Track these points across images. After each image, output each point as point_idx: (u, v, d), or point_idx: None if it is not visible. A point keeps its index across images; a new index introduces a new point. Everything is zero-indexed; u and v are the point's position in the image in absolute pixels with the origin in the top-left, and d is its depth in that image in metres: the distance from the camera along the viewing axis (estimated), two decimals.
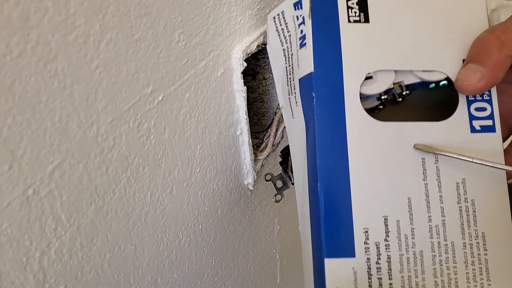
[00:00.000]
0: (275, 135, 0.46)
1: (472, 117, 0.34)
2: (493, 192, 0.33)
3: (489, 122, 0.34)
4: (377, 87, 0.34)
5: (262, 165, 0.50)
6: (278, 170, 0.48)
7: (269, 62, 0.46)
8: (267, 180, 0.48)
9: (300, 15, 0.34)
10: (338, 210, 0.32)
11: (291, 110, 0.37)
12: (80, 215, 0.29)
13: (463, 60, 0.33)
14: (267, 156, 0.49)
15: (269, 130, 0.46)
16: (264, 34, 0.42)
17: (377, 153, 0.33)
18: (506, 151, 0.34)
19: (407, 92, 0.35)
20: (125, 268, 0.35)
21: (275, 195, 0.45)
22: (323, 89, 0.33)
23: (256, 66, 0.47)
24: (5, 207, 0.24)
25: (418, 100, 0.36)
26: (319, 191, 0.32)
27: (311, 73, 0.33)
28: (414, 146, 0.32)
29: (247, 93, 0.42)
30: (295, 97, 0.35)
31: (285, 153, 0.47)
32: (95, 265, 0.32)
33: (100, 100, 0.28)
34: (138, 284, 0.37)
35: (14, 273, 0.26)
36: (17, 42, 0.22)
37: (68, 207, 0.28)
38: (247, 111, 0.43)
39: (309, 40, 0.33)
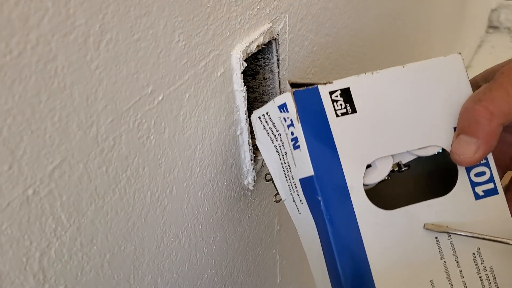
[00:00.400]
0: None
1: (474, 184, 0.34)
2: (508, 254, 0.34)
3: (490, 186, 0.34)
4: (378, 175, 0.34)
5: (262, 165, 0.50)
6: None
7: (269, 62, 0.46)
8: (267, 180, 0.48)
9: (287, 118, 0.33)
10: None
11: (296, 206, 0.37)
12: (80, 215, 0.29)
13: (454, 128, 0.34)
14: None
15: None
16: (264, 34, 0.42)
17: (392, 242, 0.33)
18: (507, 189, 0.35)
19: (406, 168, 0.35)
20: (125, 268, 0.35)
21: (275, 195, 0.45)
22: (327, 191, 0.33)
23: (256, 66, 0.47)
24: (5, 207, 0.24)
25: (418, 170, 0.36)
26: None
27: (311, 176, 0.33)
28: (424, 226, 0.32)
29: (247, 93, 0.42)
30: (298, 195, 0.35)
31: None
32: (95, 265, 0.32)
33: (100, 100, 0.28)
34: (138, 284, 0.37)
35: (14, 273, 0.26)
36: (17, 42, 0.22)
37: (68, 207, 0.28)
38: (247, 111, 0.43)
39: (302, 143, 0.32)
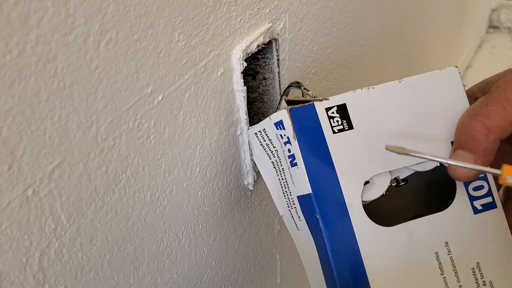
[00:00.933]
0: None
1: (472, 198, 0.34)
2: (507, 268, 0.34)
3: (489, 199, 0.34)
4: (377, 191, 0.34)
5: None
6: None
7: (269, 61, 0.46)
8: None
9: (284, 135, 0.33)
10: None
11: (295, 223, 0.37)
12: (80, 215, 0.29)
13: (452, 142, 0.33)
14: None
15: None
16: (264, 33, 0.41)
17: (392, 259, 0.33)
18: (506, 200, 0.35)
19: (404, 183, 0.35)
20: (125, 268, 0.35)
21: None
22: (325, 209, 0.32)
23: (256, 66, 0.47)
24: (4, 207, 0.24)
25: (416, 184, 0.36)
26: None
27: (309, 194, 0.32)
28: (386, 147, 0.30)
29: (247, 93, 0.42)
30: (296, 211, 0.35)
31: None
32: (94, 265, 0.32)
33: (99, 100, 0.28)
34: (138, 284, 0.37)
35: (13, 273, 0.26)
36: (16, 42, 0.22)
37: (68, 207, 0.28)
38: (247, 111, 0.43)
39: (299, 161, 0.32)
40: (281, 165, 0.35)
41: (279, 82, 0.47)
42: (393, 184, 0.35)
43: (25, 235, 0.26)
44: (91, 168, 0.29)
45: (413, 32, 0.99)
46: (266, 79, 0.48)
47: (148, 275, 0.38)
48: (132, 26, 0.28)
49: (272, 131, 0.34)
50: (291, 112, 0.32)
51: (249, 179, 0.49)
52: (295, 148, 0.32)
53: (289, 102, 0.33)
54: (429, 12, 1.06)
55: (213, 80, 0.38)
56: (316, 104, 0.33)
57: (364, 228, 0.33)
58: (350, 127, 0.33)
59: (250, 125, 0.42)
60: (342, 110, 0.33)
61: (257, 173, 0.49)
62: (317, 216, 0.32)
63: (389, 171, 0.34)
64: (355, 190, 0.33)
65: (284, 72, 0.48)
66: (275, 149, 0.35)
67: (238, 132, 0.44)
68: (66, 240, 0.29)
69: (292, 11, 0.46)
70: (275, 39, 0.44)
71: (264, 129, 0.36)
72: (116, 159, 0.31)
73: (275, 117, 0.33)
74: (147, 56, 0.30)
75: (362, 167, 0.33)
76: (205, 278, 0.48)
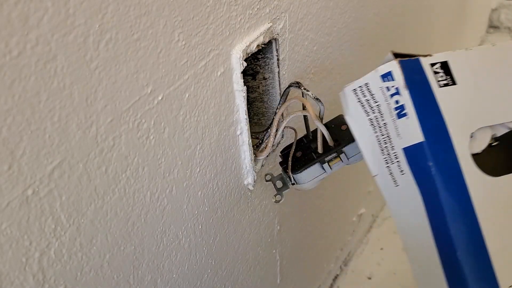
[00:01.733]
0: (275, 135, 0.46)
1: None
2: None
3: None
4: (479, 145, 0.35)
5: (262, 165, 0.50)
6: (278, 170, 0.48)
7: (269, 61, 0.46)
8: (267, 180, 0.48)
9: (392, 86, 0.34)
10: (482, 274, 0.33)
11: (393, 179, 0.37)
12: (80, 215, 0.29)
13: None
14: (267, 156, 0.48)
15: (269, 130, 0.46)
16: (264, 33, 0.41)
17: (503, 208, 0.34)
18: None
19: (497, 142, 0.36)
20: (124, 268, 0.35)
21: (275, 195, 0.45)
22: (438, 157, 0.34)
23: (256, 66, 0.47)
24: (4, 207, 0.24)
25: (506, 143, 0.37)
26: (461, 261, 0.33)
27: (421, 142, 0.34)
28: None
29: (247, 93, 0.42)
30: (399, 165, 0.36)
31: (285, 153, 0.47)
32: (94, 265, 0.32)
33: (99, 100, 0.28)
34: (138, 284, 0.37)
35: (13, 273, 0.26)
36: (16, 41, 0.22)
37: (68, 207, 0.28)
38: (247, 111, 0.43)
39: (410, 110, 0.34)
40: (382, 120, 0.36)
41: (279, 82, 0.47)
42: (490, 142, 0.36)
43: (25, 235, 0.26)
44: (91, 168, 0.29)
45: (413, 32, 0.99)
46: (266, 79, 0.48)
47: (148, 275, 0.38)
48: (132, 26, 0.28)
49: (376, 84, 0.36)
50: (400, 64, 0.34)
51: (249, 179, 0.49)
52: (405, 98, 0.34)
53: (395, 55, 0.35)
54: (429, 12, 1.06)
55: (213, 80, 0.38)
56: (422, 59, 0.34)
57: (473, 177, 0.34)
58: (454, 83, 0.34)
59: (250, 125, 0.42)
60: (445, 67, 0.35)
61: (257, 173, 0.49)
62: (430, 164, 0.33)
63: (490, 127, 0.35)
64: (463, 141, 0.34)
65: (284, 72, 0.48)
66: (376, 104, 0.36)
67: (238, 132, 0.44)
68: (66, 240, 0.29)
69: (292, 11, 0.46)
70: (275, 39, 0.44)
71: (366, 84, 0.36)
72: (116, 159, 0.31)
73: (383, 69, 0.35)
74: (147, 56, 0.30)
75: (467, 120, 0.34)
76: (205, 278, 0.48)
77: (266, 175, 0.48)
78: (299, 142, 0.47)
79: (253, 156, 0.46)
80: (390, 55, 0.35)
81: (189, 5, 0.32)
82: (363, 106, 0.37)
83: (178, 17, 0.32)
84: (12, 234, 0.25)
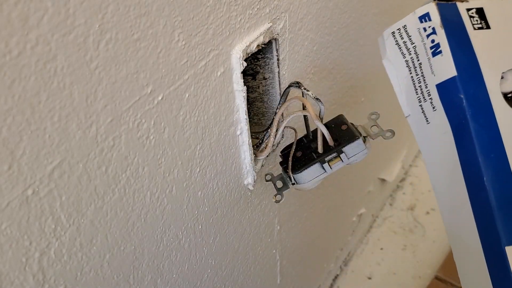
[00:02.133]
0: (275, 135, 0.46)
1: None
2: None
3: None
4: (509, 86, 0.37)
5: (262, 165, 0.50)
6: (278, 170, 0.48)
7: (269, 61, 0.46)
8: (267, 180, 0.48)
9: (429, 26, 0.38)
10: (507, 202, 0.35)
11: (425, 117, 0.41)
12: (80, 215, 0.29)
13: None
14: (267, 156, 0.48)
15: (269, 130, 0.46)
16: (264, 33, 0.41)
17: None
18: None
19: None
20: (124, 268, 0.35)
21: (275, 195, 0.45)
22: (469, 90, 0.36)
23: (256, 66, 0.47)
24: (4, 207, 0.24)
25: None
26: (487, 187, 0.35)
27: (454, 77, 0.37)
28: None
29: (247, 93, 0.42)
30: (431, 103, 0.40)
31: (285, 153, 0.47)
32: (94, 265, 0.32)
33: (99, 100, 0.28)
34: (138, 284, 0.37)
35: (13, 273, 0.26)
36: (16, 41, 0.22)
37: (68, 207, 0.28)
38: (247, 111, 0.43)
39: (445, 48, 0.37)
40: (418, 60, 0.40)
41: (279, 82, 0.47)
42: None
43: (25, 235, 0.26)
44: (91, 168, 0.29)
45: None
46: (266, 79, 0.48)
47: (148, 275, 0.38)
48: (132, 26, 0.28)
49: (414, 25, 0.39)
50: (437, 5, 0.38)
51: (249, 179, 0.49)
52: (441, 36, 0.38)
53: None
54: None
55: (213, 80, 0.38)
56: (458, 4, 0.38)
57: (503, 112, 0.36)
58: (488, 27, 0.38)
59: (250, 125, 0.42)
60: (480, 12, 0.38)
61: (257, 173, 0.49)
62: (461, 96, 0.36)
63: None
64: (495, 79, 0.37)
65: (284, 72, 0.48)
66: (413, 45, 0.40)
67: (238, 132, 0.44)
68: (66, 240, 0.29)
69: (292, 11, 0.46)
70: (275, 39, 0.44)
71: (404, 26, 0.40)
72: (116, 159, 0.31)
73: (420, 10, 0.39)
74: (147, 56, 0.30)
75: (498, 61, 0.37)
76: (205, 278, 0.48)
77: (266, 175, 0.48)
78: (299, 142, 0.47)
79: (253, 156, 0.46)
80: None
81: (189, 5, 0.32)
82: (400, 48, 0.41)
83: (178, 17, 0.32)
84: (12, 234, 0.25)
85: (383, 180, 1.12)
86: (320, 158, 0.43)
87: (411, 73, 0.41)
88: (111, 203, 0.31)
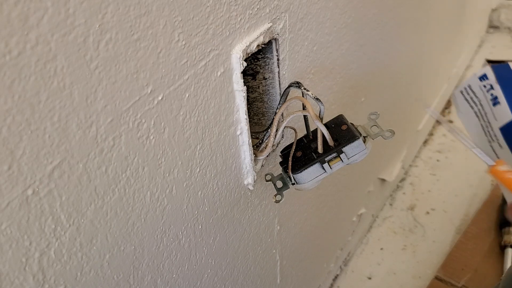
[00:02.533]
0: (275, 135, 0.46)
1: None
2: None
3: None
4: None
5: (262, 165, 0.50)
6: (278, 170, 0.48)
7: (269, 61, 0.46)
8: (267, 180, 0.48)
9: (488, 84, 0.50)
10: None
11: (496, 154, 0.52)
12: (80, 215, 0.29)
13: None
14: (267, 156, 0.48)
15: (269, 130, 0.46)
16: (264, 33, 0.41)
17: None
18: None
19: None
20: (124, 268, 0.35)
21: (275, 195, 0.45)
22: None
23: (256, 66, 0.47)
24: (4, 207, 0.24)
25: None
26: None
27: (511, 120, 0.48)
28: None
29: (247, 93, 0.42)
30: (498, 143, 0.51)
31: (285, 153, 0.47)
32: (94, 265, 0.32)
33: (99, 100, 0.28)
34: (138, 284, 0.37)
35: (13, 273, 0.26)
36: (16, 41, 0.22)
37: (68, 207, 0.28)
38: (247, 111, 0.43)
39: (501, 99, 0.49)
40: (483, 109, 0.51)
41: (279, 82, 0.47)
42: None
43: (25, 235, 0.26)
44: (91, 168, 0.29)
45: (413, 32, 0.99)
46: (266, 79, 0.48)
47: (148, 275, 0.38)
48: (132, 26, 0.28)
49: (476, 84, 0.52)
50: (492, 67, 0.50)
51: (249, 179, 0.49)
52: (498, 91, 0.49)
53: (489, 61, 0.50)
54: (429, 12, 1.06)
55: (213, 80, 0.38)
56: (510, 63, 0.49)
57: None
58: None
59: (250, 125, 0.42)
60: None
61: (257, 173, 0.49)
62: None
63: None
64: None
65: (284, 72, 0.48)
66: (477, 99, 0.52)
67: (238, 132, 0.44)
68: (66, 240, 0.29)
69: (292, 11, 0.46)
70: (275, 39, 0.44)
71: (469, 85, 0.53)
72: (116, 159, 0.31)
73: (480, 72, 0.51)
74: (147, 56, 0.30)
75: None
76: (205, 278, 0.48)
77: (266, 175, 0.48)
78: (299, 142, 0.47)
79: (253, 156, 0.46)
80: (485, 62, 0.53)
81: (189, 5, 0.32)
82: (468, 102, 0.53)
83: (178, 17, 0.32)
84: (12, 234, 0.25)
85: (383, 180, 1.12)
86: (320, 158, 0.43)
87: (479, 120, 0.52)
88: (111, 203, 0.31)
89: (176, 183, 0.38)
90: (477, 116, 0.53)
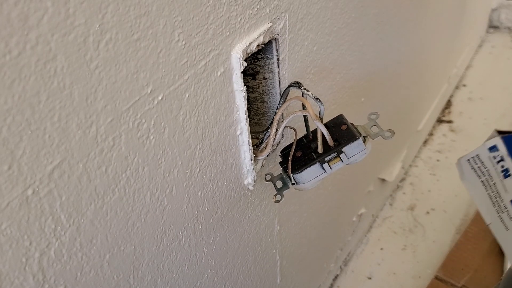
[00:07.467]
0: (275, 135, 0.46)
1: None
2: None
3: None
4: None
5: (262, 165, 0.50)
6: (278, 170, 0.48)
7: (269, 61, 0.46)
8: (267, 180, 0.48)
9: (498, 155, 0.48)
10: None
11: (504, 225, 0.50)
12: (80, 215, 0.29)
13: None
14: (267, 156, 0.48)
15: (269, 130, 0.46)
16: (264, 33, 0.41)
17: None
18: None
19: None
20: (124, 268, 0.35)
21: (275, 195, 0.45)
22: None
23: (256, 66, 0.47)
24: (4, 207, 0.24)
25: None
26: None
27: None
28: None
29: (247, 93, 0.42)
30: (508, 214, 0.49)
31: (285, 153, 0.47)
32: (94, 265, 0.32)
33: (99, 100, 0.28)
34: (138, 284, 0.37)
35: (13, 273, 0.26)
36: (16, 41, 0.22)
37: (68, 207, 0.28)
38: (247, 111, 0.43)
39: None
40: (492, 180, 0.50)
41: (279, 82, 0.47)
42: None
43: (25, 235, 0.26)
44: (91, 168, 0.29)
45: (413, 32, 0.99)
46: (266, 79, 0.48)
47: (148, 275, 0.38)
48: (132, 26, 0.28)
49: (485, 154, 0.50)
50: (503, 138, 0.48)
51: (249, 179, 0.49)
52: (509, 163, 0.48)
53: (499, 132, 0.48)
54: (429, 12, 1.06)
55: (213, 80, 0.38)
56: None
57: None
58: None
59: (250, 125, 0.42)
60: None
61: (257, 173, 0.49)
62: None
63: None
64: None
65: (284, 72, 0.48)
66: (486, 169, 0.50)
67: (238, 132, 0.44)
68: (66, 240, 0.29)
69: (292, 11, 0.46)
70: (275, 39, 0.44)
71: (477, 155, 0.51)
72: (116, 159, 0.31)
73: (489, 143, 0.49)
74: (147, 56, 0.30)
75: None
76: (205, 278, 0.48)
77: (266, 175, 0.48)
78: (299, 142, 0.47)
79: (253, 156, 0.46)
80: (495, 132, 0.48)
81: (189, 5, 0.32)
82: (475, 171, 0.51)
83: (178, 17, 0.32)
84: (12, 234, 0.25)
85: (383, 180, 1.13)
86: (320, 158, 0.43)
87: (487, 190, 0.51)
88: (111, 203, 0.31)
89: (176, 183, 0.38)
90: (484, 185, 0.51)
